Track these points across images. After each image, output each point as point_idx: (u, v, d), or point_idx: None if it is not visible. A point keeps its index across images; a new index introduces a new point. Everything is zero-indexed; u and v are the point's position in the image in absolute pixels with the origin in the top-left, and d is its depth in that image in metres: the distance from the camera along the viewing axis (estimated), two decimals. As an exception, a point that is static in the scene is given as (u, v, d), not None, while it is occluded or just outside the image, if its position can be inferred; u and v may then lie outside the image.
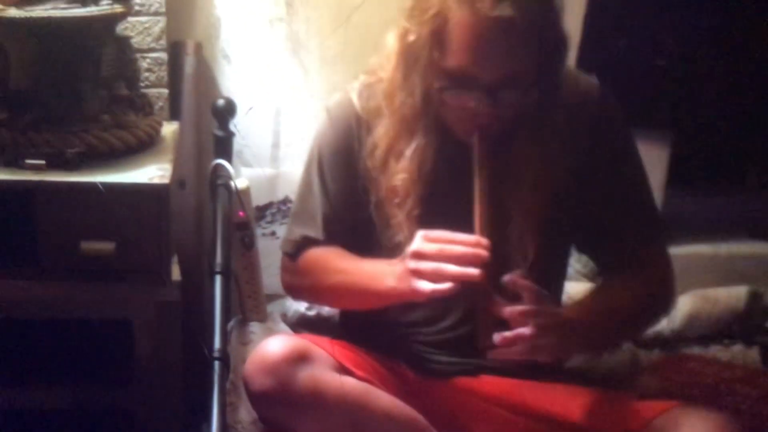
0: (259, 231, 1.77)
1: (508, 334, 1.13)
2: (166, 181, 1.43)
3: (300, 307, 1.70)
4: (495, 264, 1.15)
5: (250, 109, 1.78)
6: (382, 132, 1.26)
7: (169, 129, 1.66)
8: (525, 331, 1.12)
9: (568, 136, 1.23)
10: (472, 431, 1.31)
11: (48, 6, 1.44)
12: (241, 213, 1.52)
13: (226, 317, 1.30)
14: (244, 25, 1.79)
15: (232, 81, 1.81)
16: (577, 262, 1.69)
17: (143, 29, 1.71)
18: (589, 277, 1.75)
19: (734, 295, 1.87)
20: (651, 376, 1.72)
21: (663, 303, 1.34)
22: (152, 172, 1.45)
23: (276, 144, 1.84)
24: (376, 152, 1.26)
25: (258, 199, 1.78)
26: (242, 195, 1.51)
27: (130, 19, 1.67)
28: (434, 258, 1.14)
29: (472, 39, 1.14)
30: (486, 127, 1.19)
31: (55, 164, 1.42)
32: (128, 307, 1.46)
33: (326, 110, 1.35)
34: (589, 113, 1.27)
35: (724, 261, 1.95)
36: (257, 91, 1.81)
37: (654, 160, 1.82)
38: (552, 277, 1.33)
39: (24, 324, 1.49)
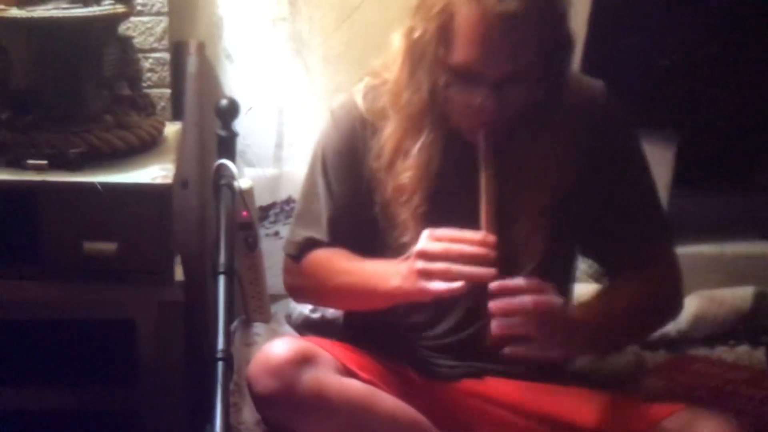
0: (262, 231, 1.77)
1: (514, 320, 1.12)
2: (168, 181, 1.43)
3: (304, 309, 1.70)
4: (501, 261, 1.15)
5: (250, 109, 1.78)
6: (388, 132, 1.25)
7: (171, 129, 1.66)
8: (527, 302, 1.11)
9: (573, 136, 1.23)
10: (477, 434, 1.31)
11: (50, 6, 1.43)
12: (244, 213, 1.52)
13: (229, 318, 1.30)
14: (247, 24, 1.79)
15: (235, 81, 1.81)
16: (582, 262, 1.69)
17: (145, 29, 1.71)
18: (595, 278, 1.74)
19: (740, 295, 1.87)
20: (656, 377, 1.71)
21: (670, 305, 1.34)
22: (155, 173, 1.45)
23: (279, 144, 1.84)
24: (383, 153, 1.26)
25: (261, 199, 1.78)
26: (245, 195, 1.51)
27: (133, 19, 1.67)
28: (440, 257, 1.14)
29: (478, 34, 1.13)
30: (491, 124, 1.19)
31: (57, 164, 1.42)
32: (131, 307, 1.46)
33: (330, 112, 1.35)
34: (593, 115, 1.27)
35: (730, 261, 1.95)
36: (260, 91, 1.81)
37: (659, 160, 1.82)
38: (560, 281, 1.31)
39: (26, 324, 1.48)
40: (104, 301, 1.45)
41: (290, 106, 1.83)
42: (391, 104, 1.25)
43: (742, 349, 1.82)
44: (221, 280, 1.32)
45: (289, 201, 1.84)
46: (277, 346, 1.23)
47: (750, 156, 2.06)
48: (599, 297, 1.31)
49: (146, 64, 1.71)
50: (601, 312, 1.25)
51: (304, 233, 1.35)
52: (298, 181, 1.41)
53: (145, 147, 1.53)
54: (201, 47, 1.75)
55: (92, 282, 1.43)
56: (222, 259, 1.36)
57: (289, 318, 1.71)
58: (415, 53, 1.20)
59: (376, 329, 1.35)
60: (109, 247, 1.41)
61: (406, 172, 1.23)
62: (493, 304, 1.12)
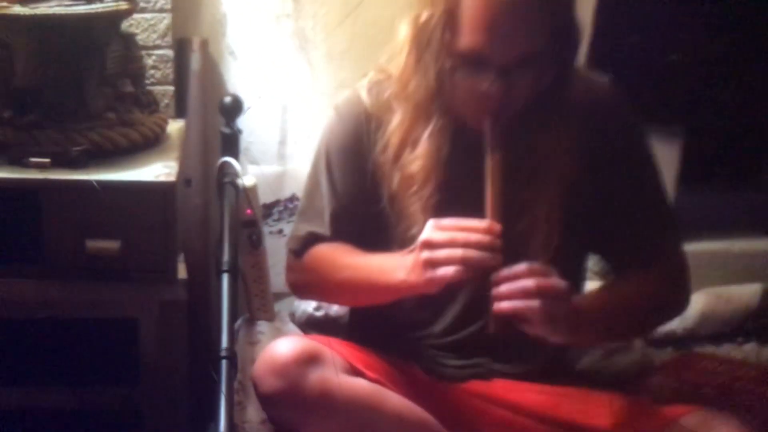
0: (266, 229, 1.77)
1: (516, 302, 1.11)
2: (172, 179, 1.42)
3: (308, 307, 1.69)
4: (508, 250, 1.14)
5: (248, 108, 1.77)
6: (395, 123, 1.24)
7: (175, 126, 1.66)
8: (530, 284, 1.11)
9: (580, 127, 1.22)
10: (484, 435, 1.30)
11: (52, 3, 1.43)
12: (248, 211, 1.52)
13: (233, 316, 1.29)
14: (251, 21, 1.78)
15: (239, 78, 1.80)
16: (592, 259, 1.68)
17: (148, 26, 1.70)
18: (601, 275, 1.73)
19: (747, 292, 1.87)
20: (663, 375, 1.71)
21: (676, 301, 1.34)
22: (158, 170, 1.44)
23: (283, 141, 1.84)
24: (389, 145, 1.25)
25: (265, 197, 1.78)
26: (249, 193, 1.51)
27: (136, 15, 1.67)
28: (445, 246, 1.13)
29: (485, 19, 1.12)
30: (497, 111, 1.17)
31: (59, 162, 1.41)
32: (134, 306, 1.46)
33: (334, 108, 1.34)
34: (601, 108, 1.26)
35: (738, 258, 1.95)
36: (264, 88, 1.81)
37: (666, 156, 1.81)
38: (570, 276, 1.29)
39: (28, 324, 1.48)
40: (107, 299, 1.44)
41: (294, 103, 1.82)
42: (398, 94, 1.24)
43: (750, 347, 1.83)
44: (225, 279, 1.31)
45: (293, 199, 1.83)
46: (283, 345, 1.22)
47: (757, 153, 2.06)
48: (605, 288, 1.31)
49: (149, 61, 1.71)
50: (605, 302, 1.25)
51: (306, 228, 1.34)
52: (302, 178, 1.41)
53: (148, 144, 1.53)
54: (204, 44, 1.75)
55: (94, 281, 1.43)
56: (225, 257, 1.36)
57: (293, 316, 1.71)
58: (421, 39, 1.19)
59: (381, 328, 1.34)
60: (111, 245, 1.40)
61: (416, 162, 1.22)
62: (496, 290, 1.12)
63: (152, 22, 1.70)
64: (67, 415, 1.51)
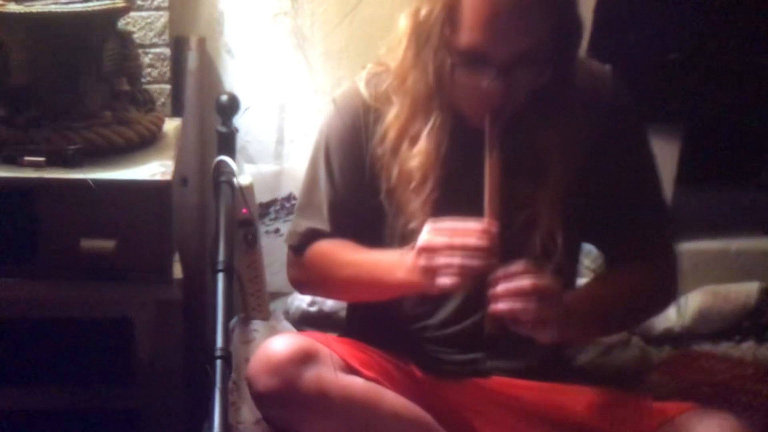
0: (262, 228, 1.77)
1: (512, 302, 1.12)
2: (168, 177, 1.42)
3: (302, 303, 1.69)
4: (506, 248, 1.14)
5: (247, 109, 1.77)
6: (393, 116, 1.24)
7: (171, 125, 1.65)
8: (525, 284, 1.11)
9: (580, 122, 1.21)
10: (482, 432, 1.30)
11: (48, 1, 1.42)
12: (244, 210, 1.51)
13: (228, 315, 1.29)
14: (248, 19, 1.78)
15: (236, 76, 1.80)
16: (585, 258, 1.68)
17: (145, 24, 1.70)
18: (597, 272, 1.73)
19: (745, 291, 1.87)
20: (661, 373, 1.72)
21: (665, 295, 1.34)
22: (154, 169, 1.44)
23: (280, 140, 1.84)
24: (387, 138, 1.25)
25: (261, 196, 1.77)
26: (245, 192, 1.50)
27: (132, 14, 1.67)
28: (443, 252, 1.13)
29: (485, 15, 1.12)
30: (498, 108, 1.17)
31: (54, 161, 1.41)
32: (129, 305, 1.45)
33: (333, 100, 1.34)
34: (602, 100, 1.25)
35: (736, 257, 1.94)
36: (261, 87, 1.80)
37: (665, 154, 1.82)
38: (566, 269, 1.30)
39: (23, 323, 1.48)
40: (102, 299, 1.44)
41: (291, 102, 1.82)
42: (396, 87, 1.24)
43: (747, 345, 1.83)
44: (220, 278, 1.31)
45: (289, 198, 1.83)
46: (277, 344, 1.21)
47: (756, 151, 2.05)
48: (595, 284, 1.31)
49: (146, 60, 1.71)
50: (595, 299, 1.25)
51: (306, 224, 1.34)
52: (299, 177, 1.41)
53: (145, 143, 1.52)
54: (201, 42, 1.75)
55: (90, 280, 1.42)
56: (221, 256, 1.35)
57: (287, 313, 1.71)
58: (420, 34, 1.18)
59: (380, 323, 1.34)
60: (107, 244, 1.40)
61: (415, 158, 1.22)
62: (492, 291, 1.12)
63: (149, 20, 1.70)
64: (61, 415, 1.50)
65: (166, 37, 1.71)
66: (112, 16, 1.50)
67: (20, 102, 1.45)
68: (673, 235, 1.33)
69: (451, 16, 1.14)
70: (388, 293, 1.25)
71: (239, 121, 1.69)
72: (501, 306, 1.12)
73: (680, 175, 1.88)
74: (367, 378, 1.24)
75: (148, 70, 1.71)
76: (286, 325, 1.64)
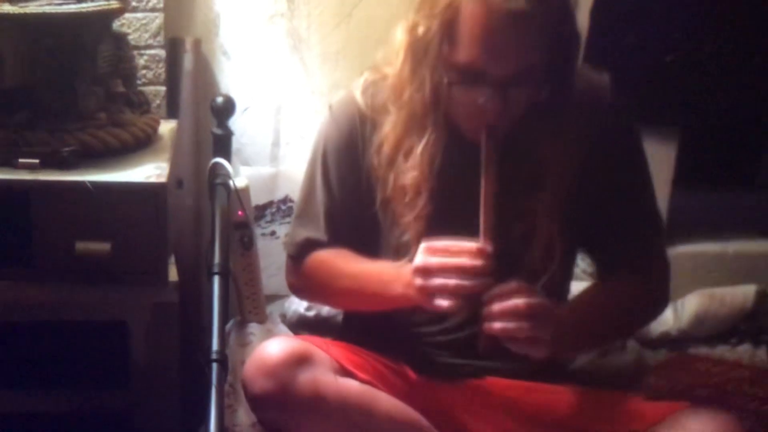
0: (258, 231, 1.76)
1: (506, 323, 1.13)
2: (163, 180, 1.41)
3: (299, 307, 1.69)
4: (507, 266, 1.15)
5: (246, 109, 1.76)
6: (389, 128, 1.24)
7: (166, 127, 1.65)
8: (520, 304, 1.12)
9: (578, 136, 1.21)
10: (476, 434, 1.30)
11: (42, 2, 1.42)
12: (240, 212, 1.51)
13: (224, 318, 1.28)
14: (244, 21, 1.78)
15: (232, 78, 1.80)
16: (582, 261, 1.67)
17: (140, 25, 1.70)
18: (594, 277, 1.73)
19: (742, 294, 1.87)
20: (658, 376, 1.72)
21: (656, 306, 1.36)
22: (149, 171, 1.43)
23: (276, 142, 1.83)
24: (383, 149, 1.25)
25: (257, 199, 1.77)
26: (241, 194, 1.50)
27: (128, 15, 1.67)
28: (438, 273, 1.14)
29: (483, 32, 1.12)
30: (494, 124, 1.17)
31: (49, 163, 1.40)
32: (124, 308, 1.45)
33: (329, 108, 1.34)
34: (598, 115, 1.25)
35: (732, 260, 1.94)
36: (257, 89, 1.80)
37: (662, 156, 1.82)
38: (560, 280, 1.32)
39: (17, 326, 1.47)
40: (97, 302, 1.43)
41: (287, 104, 1.82)
42: (393, 100, 1.24)
43: (744, 348, 1.84)
44: (216, 281, 1.30)
45: (285, 200, 1.83)
46: (273, 347, 1.22)
47: (753, 153, 2.05)
48: (588, 297, 1.31)
49: (141, 61, 1.70)
50: (589, 312, 1.26)
51: (303, 233, 1.34)
52: (295, 179, 1.40)
53: (140, 145, 1.52)
54: (197, 44, 1.74)
55: (84, 282, 1.42)
56: (217, 259, 1.34)
57: (283, 317, 1.71)
58: (418, 50, 1.18)
59: (377, 326, 1.34)
60: (102, 247, 1.39)
61: (410, 173, 1.22)
62: (487, 310, 1.13)
63: (144, 21, 1.70)
64: (57, 418, 1.50)
65: (161, 38, 1.71)
66: (106, 17, 1.49)
67: (14, 103, 1.45)
68: (665, 247, 1.34)
69: (448, 32, 1.14)
70: (385, 305, 1.26)
71: (235, 123, 1.69)
72: (496, 326, 1.13)
73: (677, 178, 1.87)
74: (361, 381, 1.24)
75: (143, 71, 1.71)
76: (283, 328, 1.64)
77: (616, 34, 1.76)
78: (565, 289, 1.37)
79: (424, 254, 1.16)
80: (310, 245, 1.33)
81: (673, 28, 1.79)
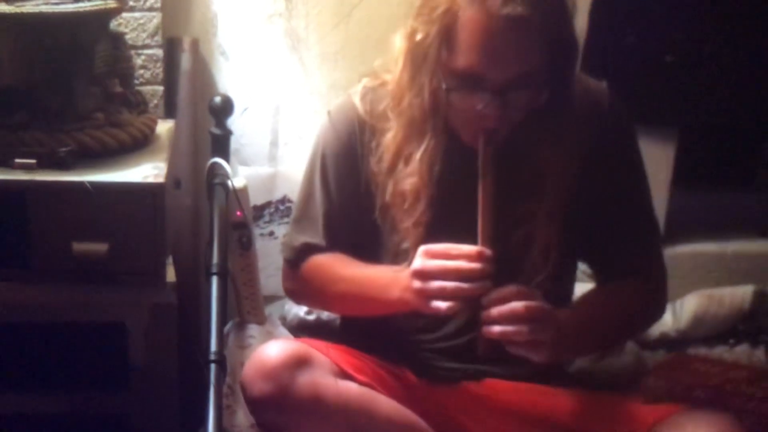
0: (257, 231, 1.76)
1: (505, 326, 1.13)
2: (161, 180, 1.41)
3: (299, 311, 1.69)
4: (501, 269, 1.15)
5: (245, 110, 1.76)
6: (389, 135, 1.24)
7: (164, 127, 1.64)
8: (519, 307, 1.12)
9: (576, 143, 1.21)
10: (475, 437, 1.30)
11: (39, 1, 1.41)
12: (238, 213, 1.50)
13: (222, 319, 1.28)
14: (242, 21, 1.78)
15: (230, 78, 1.80)
16: (581, 263, 1.68)
17: (138, 25, 1.69)
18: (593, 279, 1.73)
19: (740, 294, 1.88)
20: (656, 377, 1.72)
21: (655, 311, 1.37)
22: (147, 171, 1.43)
23: (274, 142, 1.83)
24: (383, 156, 1.25)
25: (256, 199, 1.77)
26: (240, 194, 1.49)
27: (125, 14, 1.66)
28: (437, 276, 1.14)
29: (481, 37, 1.12)
30: (492, 130, 1.17)
31: (46, 163, 1.40)
32: (122, 309, 1.45)
33: (328, 114, 1.34)
34: (597, 122, 1.26)
35: (731, 260, 1.95)
36: (255, 89, 1.80)
37: (660, 157, 1.82)
38: (564, 282, 1.32)
39: (14, 327, 1.46)
40: (94, 303, 1.43)
41: (286, 104, 1.81)
42: (392, 107, 1.24)
43: (742, 349, 1.84)
44: (214, 281, 1.30)
45: (284, 200, 1.83)
46: (272, 349, 1.22)
47: (752, 153, 2.06)
48: (587, 302, 1.32)
49: (139, 61, 1.70)
50: (588, 317, 1.26)
51: (301, 238, 1.34)
52: (294, 180, 1.40)
53: (137, 145, 1.52)
54: (195, 44, 1.74)
55: (82, 284, 1.42)
56: (215, 259, 1.34)
57: (284, 320, 1.70)
58: (416, 56, 1.18)
59: (374, 332, 1.34)
60: (99, 247, 1.39)
61: (409, 179, 1.23)
62: (486, 314, 1.13)
63: (142, 21, 1.69)
64: (54, 420, 1.49)
65: (158, 38, 1.71)
66: (104, 16, 1.49)
67: (11, 103, 1.44)
68: (661, 254, 1.35)
69: (446, 38, 1.14)
70: (382, 310, 1.26)
71: (233, 123, 1.68)
72: (495, 329, 1.13)
73: (676, 178, 1.88)
74: (361, 383, 1.24)
75: (141, 71, 1.70)
76: (283, 331, 1.63)
77: (615, 35, 1.76)
78: (569, 292, 1.37)
79: (422, 257, 1.16)
80: (308, 250, 1.33)
81: (672, 29, 1.79)
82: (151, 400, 1.47)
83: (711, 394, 1.65)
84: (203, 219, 1.66)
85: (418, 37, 1.17)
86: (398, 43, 1.22)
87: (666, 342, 1.83)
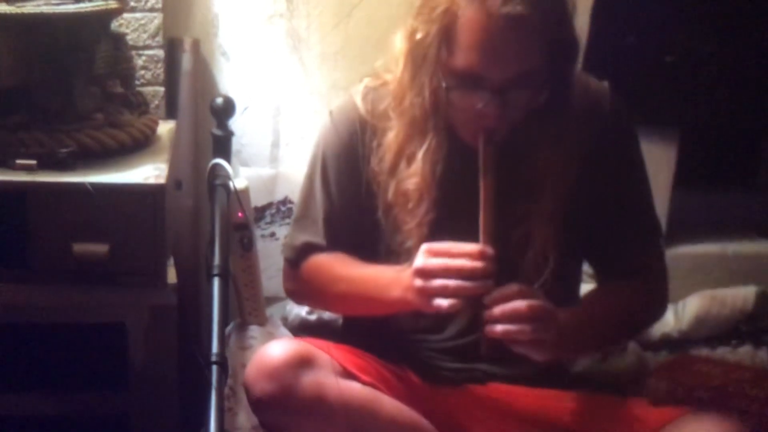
0: (258, 232, 1.76)
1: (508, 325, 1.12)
2: (162, 181, 1.41)
3: (301, 311, 1.69)
4: (505, 270, 1.15)
5: (245, 109, 1.76)
6: (391, 135, 1.24)
7: (165, 128, 1.64)
8: (521, 306, 1.12)
9: (577, 142, 1.21)
10: (479, 438, 1.30)
11: (40, 1, 1.41)
12: (239, 214, 1.50)
13: (223, 321, 1.27)
14: (243, 21, 1.78)
15: (231, 79, 1.80)
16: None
17: (139, 26, 1.70)
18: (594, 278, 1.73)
19: (742, 295, 1.88)
20: (659, 378, 1.72)
21: (656, 310, 1.36)
22: (148, 172, 1.43)
23: (275, 143, 1.83)
24: (385, 156, 1.25)
25: (257, 200, 1.77)
26: (241, 195, 1.49)
27: (126, 15, 1.66)
28: (439, 274, 1.14)
29: (481, 37, 1.12)
30: (492, 129, 1.17)
31: (46, 164, 1.40)
32: (122, 310, 1.44)
33: (329, 114, 1.34)
34: (598, 121, 1.26)
35: (733, 261, 1.95)
36: (256, 89, 1.79)
37: (662, 157, 1.82)
38: (568, 282, 1.32)
39: (14, 328, 1.46)
40: (94, 304, 1.43)
41: (287, 105, 1.81)
42: (393, 107, 1.24)
43: (744, 350, 1.84)
44: (215, 283, 1.30)
45: (285, 201, 1.82)
46: (275, 348, 1.21)
47: (753, 153, 2.06)
48: (589, 301, 1.32)
49: (139, 62, 1.70)
50: (590, 316, 1.26)
51: (302, 238, 1.34)
52: (295, 181, 1.40)
53: (138, 146, 1.51)
54: (196, 44, 1.74)
55: (82, 285, 1.41)
56: (216, 260, 1.34)
57: (285, 320, 1.70)
58: (416, 55, 1.18)
59: (377, 332, 1.33)
60: (100, 248, 1.39)
61: (411, 179, 1.23)
62: (488, 313, 1.13)
63: (142, 21, 1.69)
64: (54, 421, 1.49)
65: (159, 38, 1.71)
66: (104, 17, 1.49)
67: (11, 104, 1.44)
68: (663, 254, 1.35)
69: (446, 38, 1.14)
70: (383, 310, 1.26)
71: (235, 123, 1.68)
72: (498, 328, 1.13)
73: (677, 178, 1.88)
74: (364, 383, 1.24)
75: (142, 72, 1.70)
76: (284, 331, 1.63)
77: (616, 35, 1.77)
78: (574, 293, 1.36)
79: (424, 256, 1.16)
80: (309, 249, 1.33)
81: (672, 29, 1.80)
82: (151, 400, 1.47)
83: (713, 395, 1.65)
84: (204, 220, 1.66)
85: (418, 36, 1.17)
86: (398, 42, 1.22)
87: (668, 343, 1.83)
